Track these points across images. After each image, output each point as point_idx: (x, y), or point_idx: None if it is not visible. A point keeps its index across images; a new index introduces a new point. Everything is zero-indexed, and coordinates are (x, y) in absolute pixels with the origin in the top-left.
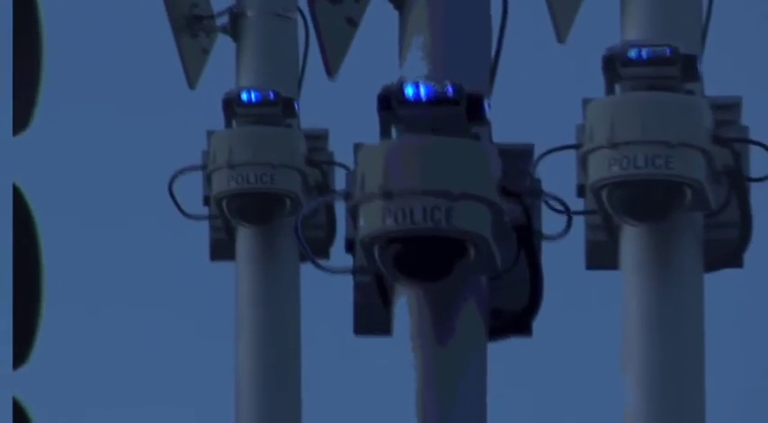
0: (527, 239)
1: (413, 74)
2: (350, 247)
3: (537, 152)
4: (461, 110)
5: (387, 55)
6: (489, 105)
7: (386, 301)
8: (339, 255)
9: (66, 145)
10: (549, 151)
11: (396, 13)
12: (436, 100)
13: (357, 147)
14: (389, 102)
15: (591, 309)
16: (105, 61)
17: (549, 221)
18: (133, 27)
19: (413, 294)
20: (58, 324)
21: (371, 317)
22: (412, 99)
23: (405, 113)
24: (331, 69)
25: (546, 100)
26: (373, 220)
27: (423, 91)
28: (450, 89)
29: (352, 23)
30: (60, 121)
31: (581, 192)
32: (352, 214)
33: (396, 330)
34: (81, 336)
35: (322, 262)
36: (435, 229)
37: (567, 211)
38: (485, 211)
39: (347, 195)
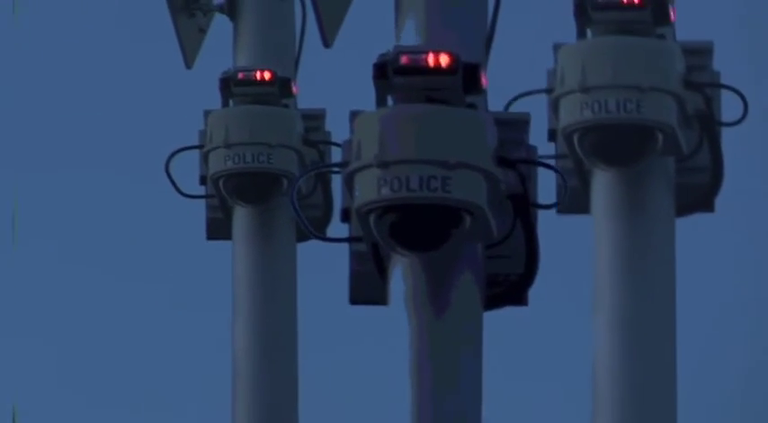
0: (523, 209)
1: (409, 43)
2: (345, 216)
3: (508, 96)
4: (458, 79)
5: (386, 31)
6: (485, 75)
7: (382, 270)
8: (336, 234)
9: (63, 125)
10: (520, 95)
11: None
12: (432, 69)
13: (353, 115)
14: (385, 70)
15: (562, 253)
16: (102, 40)
17: (543, 189)
18: (130, 6)
19: (408, 263)
20: (53, 305)
21: (367, 286)
22: (408, 68)
23: (400, 82)
24: (327, 38)
25: (517, 44)
26: (369, 188)
27: (419, 60)
28: (446, 58)
29: None
30: (56, 101)
31: (552, 136)
32: (348, 183)
33: (391, 300)
34: (76, 316)
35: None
36: (431, 198)
37: (564, 181)
38: (481, 180)
39: (343, 164)
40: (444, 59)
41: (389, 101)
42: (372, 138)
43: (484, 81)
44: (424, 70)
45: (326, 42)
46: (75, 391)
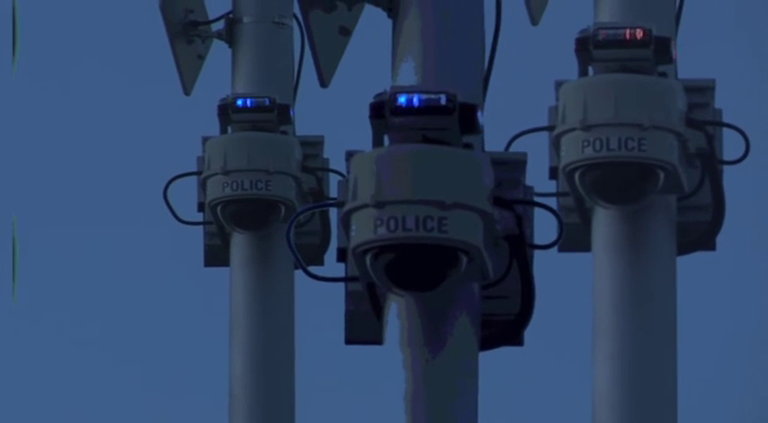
0: (519, 250)
1: (406, 83)
2: (342, 255)
3: (509, 133)
4: (454, 119)
5: (383, 63)
6: (482, 115)
7: (377, 310)
8: (333, 262)
9: (62, 151)
10: (522, 133)
11: (389, 22)
12: (429, 109)
13: (349, 154)
14: (382, 110)
15: (562, 291)
16: (101, 67)
17: (539, 230)
18: (129, 33)
19: (404, 303)
20: (52, 329)
21: (363, 326)
22: (405, 108)
23: (397, 122)
24: (324, 78)
25: (519, 82)
26: (365, 228)
27: (415, 100)
28: (443, 98)
29: (345, 32)
30: (56, 127)
31: (553, 174)
32: (344, 223)
33: (387, 340)
34: (75, 342)
35: (315, 269)
36: (428, 238)
37: (559, 221)
38: (477, 220)
39: (339, 203)
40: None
41: (386, 140)
42: (369, 178)
43: (481, 121)
44: (421, 110)
45: (323, 82)
46: (72, 415)
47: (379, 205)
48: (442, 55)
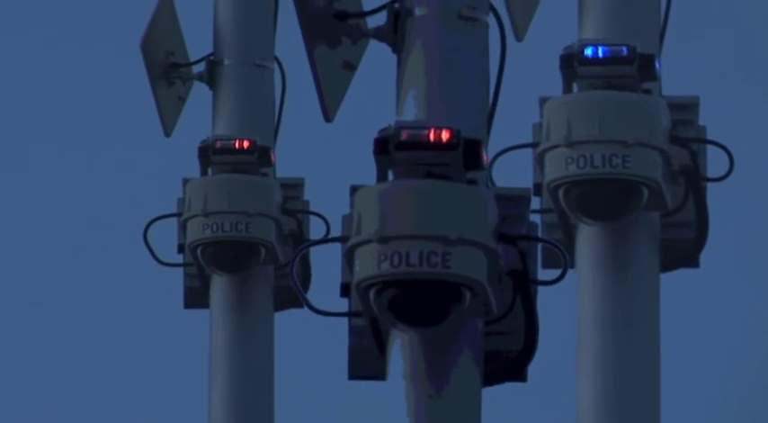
0: (523, 285)
1: (410, 118)
2: (345, 290)
3: (494, 150)
4: (458, 155)
5: (377, 101)
6: (487, 151)
7: (381, 345)
8: (317, 299)
9: (44, 191)
10: (506, 150)
11: (393, 58)
12: (434, 144)
13: (353, 189)
14: (386, 146)
15: (545, 308)
16: (81, 108)
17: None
18: (110, 74)
19: (408, 339)
20: (31, 367)
21: (366, 362)
22: (409, 143)
23: (402, 157)
24: (329, 113)
25: (503, 98)
26: (369, 263)
27: (421, 135)
28: (447, 134)
29: (350, 67)
30: (37, 167)
31: (537, 190)
32: (348, 258)
33: (390, 375)
34: (55, 382)
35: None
36: (431, 274)
37: (564, 256)
38: (481, 256)
39: (343, 239)
40: (445, 135)
41: (390, 176)
42: (372, 213)
43: (485, 157)
44: (425, 145)
45: (327, 117)
46: None
47: (383, 240)
48: (447, 90)
